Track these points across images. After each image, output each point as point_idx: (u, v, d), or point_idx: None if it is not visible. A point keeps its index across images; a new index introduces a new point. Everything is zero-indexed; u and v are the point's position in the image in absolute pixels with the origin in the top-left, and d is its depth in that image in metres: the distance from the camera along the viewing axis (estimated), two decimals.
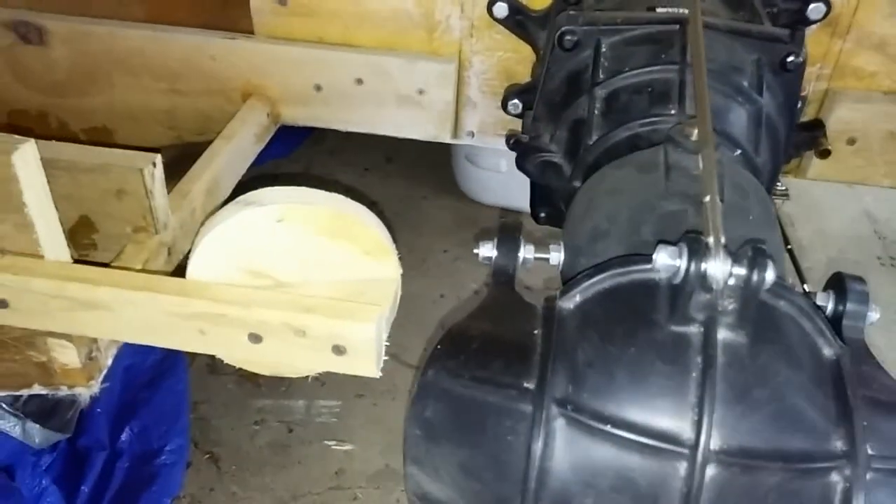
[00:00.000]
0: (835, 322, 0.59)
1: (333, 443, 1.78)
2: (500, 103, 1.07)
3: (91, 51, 1.13)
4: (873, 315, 0.59)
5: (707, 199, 0.51)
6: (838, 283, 0.60)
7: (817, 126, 0.89)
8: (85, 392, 0.75)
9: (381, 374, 0.66)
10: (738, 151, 0.70)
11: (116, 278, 0.64)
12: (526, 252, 0.64)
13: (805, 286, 0.62)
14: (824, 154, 0.92)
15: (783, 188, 0.96)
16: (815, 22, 0.95)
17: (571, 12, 0.80)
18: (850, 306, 0.58)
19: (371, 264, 0.67)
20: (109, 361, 0.77)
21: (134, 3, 1.36)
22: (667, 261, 0.48)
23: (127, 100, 1.17)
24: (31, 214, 0.65)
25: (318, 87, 1.12)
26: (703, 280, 0.47)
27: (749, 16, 0.88)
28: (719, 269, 0.46)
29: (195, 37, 1.10)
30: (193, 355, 1.90)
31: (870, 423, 0.48)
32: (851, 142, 1.04)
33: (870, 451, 0.47)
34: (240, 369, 2.10)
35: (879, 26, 1.00)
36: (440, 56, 1.09)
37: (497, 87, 1.11)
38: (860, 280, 0.60)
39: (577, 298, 0.53)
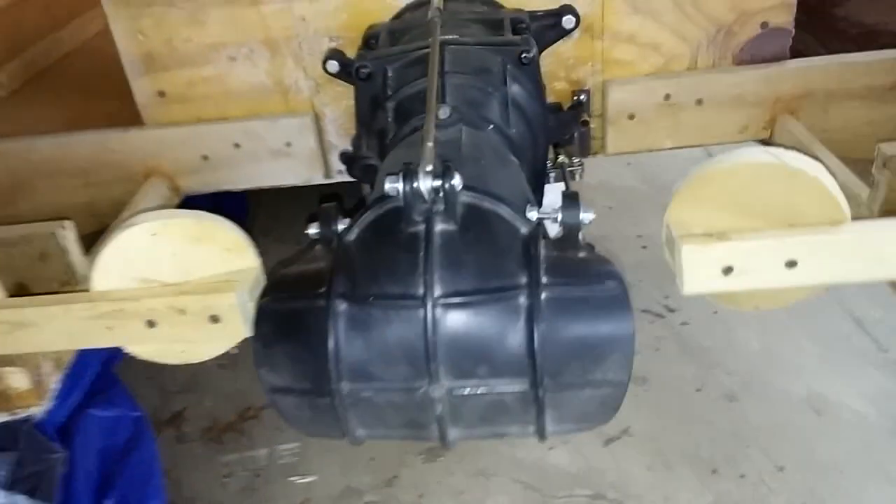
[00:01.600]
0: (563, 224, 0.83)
1: (296, 477, 1.95)
2: None
3: (11, 167, 1.35)
4: (587, 215, 0.82)
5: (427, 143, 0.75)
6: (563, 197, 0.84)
7: (576, 107, 1.16)
8: (36, 411, 0.95)
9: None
10: (491, 126, 0.95)
11: (38, 300, 0.86)
12: (342, 224, 0.87)
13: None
14: (585, 124, 1.18)
15: (578, 161, 1.21)
16: (571, 31, 1.23)
17: (363, 52, 1.07)
18: (564, 211, 0.81)
19: (233, 259, 0.90)
20: (53, 385, 0.98)
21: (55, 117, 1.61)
22: (392, 185, 0.71)
23: (50, 201, 1.38)
24: None
25: (206, 157, 1.35)
26: (416, 193, 0.70)
27: (502, 35, 1.15)
28: (424, 184, 0.70)
29: (95, 135, 1.34)
30: (158, 428, 2.08)
31: (550, 267, 0.71)
32: (631, 117, 1.31)
33: (544, 281, 0.69)
34: (202, 433, 2.31)
35: (625, 24, 1.28)
36: (298, 113, 1.34)
37: (350, 129, 1.36)
38: (574, 194, 0.83)
39: (356, 230, 0.77)
